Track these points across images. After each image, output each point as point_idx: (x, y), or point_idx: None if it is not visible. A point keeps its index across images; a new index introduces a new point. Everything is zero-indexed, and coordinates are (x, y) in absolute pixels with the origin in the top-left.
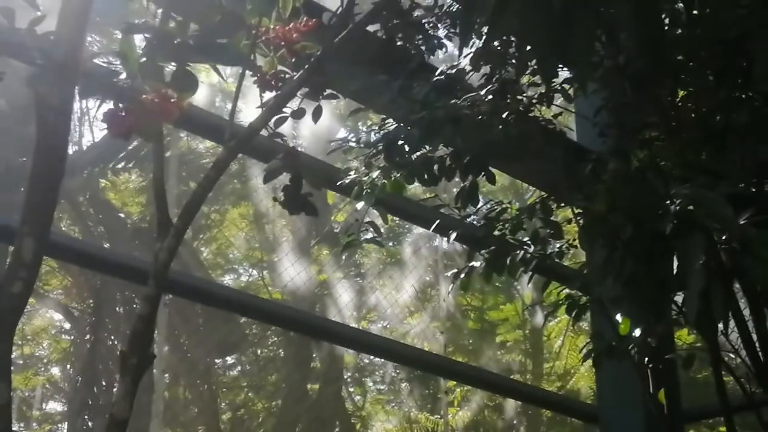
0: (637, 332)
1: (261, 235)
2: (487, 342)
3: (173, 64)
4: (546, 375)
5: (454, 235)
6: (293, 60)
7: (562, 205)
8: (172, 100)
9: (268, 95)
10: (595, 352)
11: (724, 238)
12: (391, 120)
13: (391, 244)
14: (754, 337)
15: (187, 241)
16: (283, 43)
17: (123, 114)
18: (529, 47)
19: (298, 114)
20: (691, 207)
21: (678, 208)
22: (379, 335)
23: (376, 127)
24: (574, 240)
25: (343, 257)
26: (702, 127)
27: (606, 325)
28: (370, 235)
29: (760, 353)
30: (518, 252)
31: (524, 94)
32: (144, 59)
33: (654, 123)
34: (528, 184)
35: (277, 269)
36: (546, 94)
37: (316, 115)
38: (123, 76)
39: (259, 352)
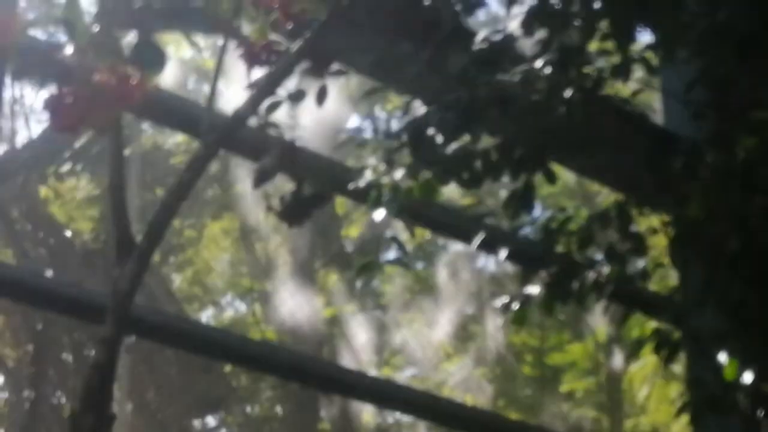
0: (748, 377)
1: (250, 257)
2: (550, 393)
3: (133, 34)
4: None
5: (504, 254)
6: (289, 27)
7: (646, 210)
8: (133, 81)
9: (258, 73)
10: (692, 404)
11: None
12: (418, 102)
13: (420, 266)
14: None
15: (154, 266)
16: (276, 4)
17: (69, 100)
18: (599, 3)
19: (296, 97)
20: None
21: None
22: (407, 386)
23: (399, 113)
24: (663, 256)
25: (358, 284)
26: None
27: (706, 369)
28: (393, 255)
29: None
30: (588, 273)
31: (593, 66)
32: (96, 28)
33: (765, 101)
34: (600, 183)
35: (272, 301)
36: (622, 66)
37: (321, 97)
38: (69, 51)
39: (249, 409)
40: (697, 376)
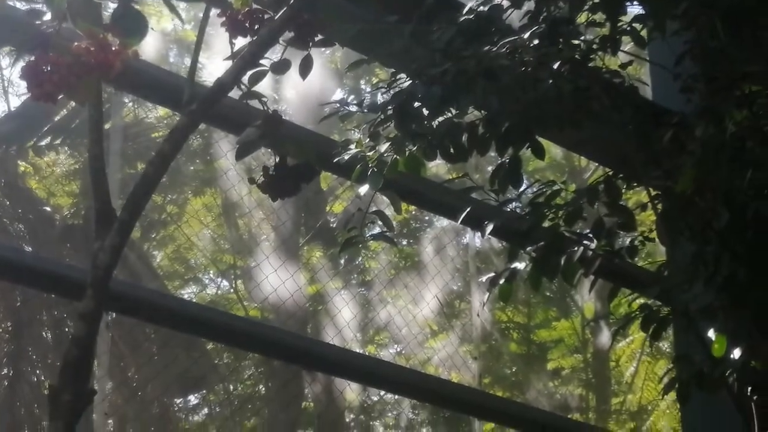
0: (737, 353)
1: (233, 233)
2: (536, 370)
3: (113, 1)
4: (615, 413)
5: (490, 228)
6: None
7: (634, 185)
8: (113, 50)
9: (240, 43)
10: (679, 381)
11: None
12: (403, 75)
13: (405, 242)
14: None
15: (134, 241)
16: None
17: (48, 69)
18: None
19: (280, 67)
20: None
21: None
22: (392, 363)
23: (384, 86)
24: (651, 231)
25: (342, 260)
26: None
27: (694, 346)
28: (377, 230)
29: None
30: (576, 248)
31: (582, 38)
32: None
33: (756, 73)
34: (587, 158)
35: (255, 277)
36: (611, 38)
37: (305, 68)
38: (47, 17)
39: (232, 388)
40: (684, 352)
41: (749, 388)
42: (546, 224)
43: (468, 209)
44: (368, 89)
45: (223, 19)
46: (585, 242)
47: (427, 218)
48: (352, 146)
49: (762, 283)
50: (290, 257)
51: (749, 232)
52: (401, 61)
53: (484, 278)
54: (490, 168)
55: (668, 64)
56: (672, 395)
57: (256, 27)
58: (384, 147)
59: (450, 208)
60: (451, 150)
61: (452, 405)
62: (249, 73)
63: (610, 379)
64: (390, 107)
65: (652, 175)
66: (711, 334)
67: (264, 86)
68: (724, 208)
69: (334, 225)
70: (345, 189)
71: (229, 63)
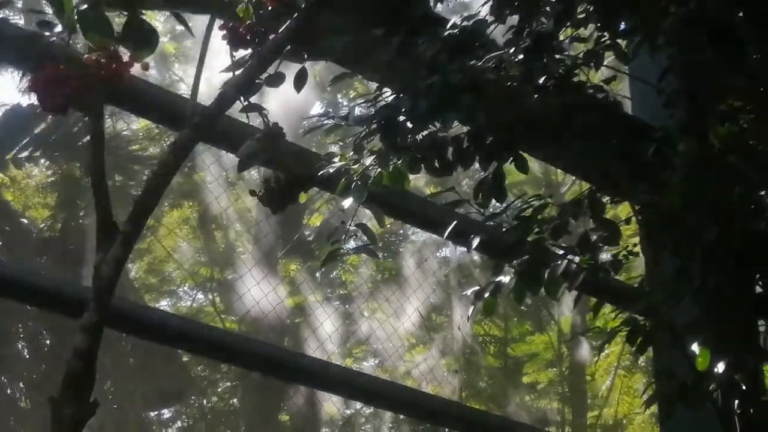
0: (721, 367)
1: (211, 246)
2: (513, 384)
3: (122, 13)
4: (591, 427)
5: (476, 243)
6: (270, 8)
7: (616, 200)
8: (124, 62)
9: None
10: (661, 395)
11: None
12: (388, 90)
13: (380, 255)
14: None
15: None
16: None
17: (59, 79)
18: None
19: (274, 80)
20: None
21: None
22: (372, 375)
23: (367, 100)
24: (635, 246)
25: (318, 274)
26: None
27: (676, 360)
28: (358, 243)
29: None
30: (560, 263)
31: (565, 53)
32: (84, 7)
33: (739, 88)
34: (568, 172)
35: (233, 291)
36: (594, 52)
37: (300, 81)
38: (57, 29)
39: (206, 402)
40: (666, 367)
41: (734, 402)
42: (531, 238)
43: (454, 224)
44: (346, 103)
45: (224, 32)
46: (569, 256)
47: (401, 232)
48: (336, 159)
49: (748, 297)
50: (269, 270)
51: (737, 247)
52: (386, 75)
53: (468, 291)
54: (465, 185)
55: (650, 78)
56: (652, 409)
57: (256, 40)
58: (368, 160)
59: (434, 222)
60: (436, 163)
61: (431, 417)
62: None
63: (586, 393)
64: (375, 120)
65: (637, 190)
66: (695, 348)
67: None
68: (713, 222)
69: (312, 238)
70: (322, 203)
71: (225, 75)
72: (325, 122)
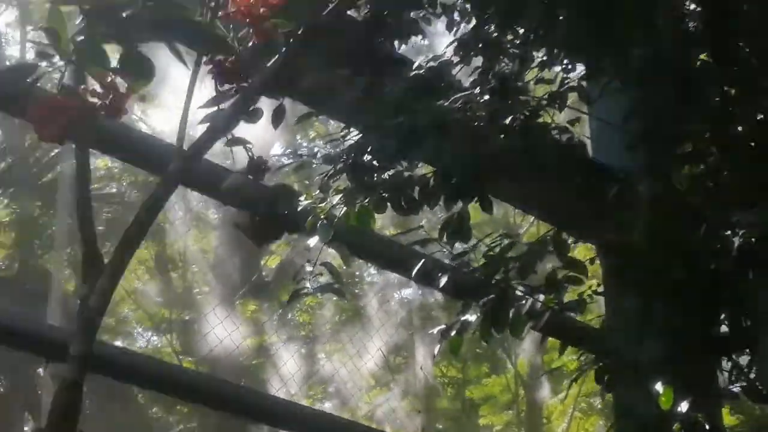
0: (684, 407)
1: (166, 287)
2: (471, 426)
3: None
4: None
5: (444, 282)
6: (252, 44)
7: (578, 241)
8: (122, 92)
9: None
10: None
11: None
12: (354, 130)
13: (334, 298)
14: None
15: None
16: (247, 19)
17: (59, 109)
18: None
19: (253, 116)
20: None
21: (742, 240)
22: (335, 415)
23: (334, 139)
24: (599, 286)
25: (276, 315)
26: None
27: (636, 400)
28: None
29: None
30: (524, 302)
31: (530, 94)
32: (81, 38)
33: (700, 131)
34: (529, 213)
35: (191, 332)
36: (558, 94)
37: (278, 118)
38: (55, 59)
39: None
40: (628, 407)
41: None
42: (498, 277)
43: (421, 264)
44: (305, 143)
45: (210, 66)
46: (535, 296)
47: (357, 273)
48: (302, 198)
49: (712, 336)
50: (229, 311)
51: (703, 286)
52: (351, 115)
53: (435, 330)
54: (421, 229)
55: (611, 120)
56: None
57: (242, 75)
58: (335, 199)
59: (398, 262)
60: (402, 202)
61: None
62: (220, 119)
63: None
64: (342, 159)
65: (596, 231)
66: (658, 387)
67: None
68: (680, 263)
69: (270, 279)
70: (280, 244)
71: (207, 108)
72: (291, 161)
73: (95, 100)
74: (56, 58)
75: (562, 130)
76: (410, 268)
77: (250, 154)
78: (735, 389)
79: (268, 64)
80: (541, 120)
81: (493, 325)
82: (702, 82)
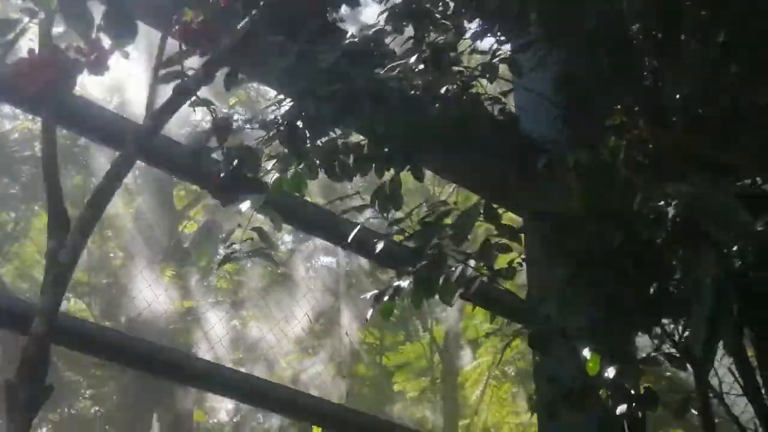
0: (611, 372)
1: (86, 251)
2: (388, 393)
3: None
4: None
5: (380, 247)
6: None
7: (505, 210)
8: (105, 49)
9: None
10: (549, 400)
11: (734, 249)
12: (287, 99)
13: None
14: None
15: None
16: None
17: (44, 64)
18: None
19: (205, 80)
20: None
21: (675, 211)
22: (262, 379)
23: (269, 105)
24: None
25: (197, 281)
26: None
27: (563, 365)
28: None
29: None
30: (453, 269)
31: (463, 65)
32: None
33: (629, 105)
34: (458, 183)
35: (112, 296)
36: (491, 65)
37: (231, 81)
38: (41, 16)
39: (72, 409)
40: (552, 372)
41: (622, 407)
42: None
43: (356, 232)
44: (225, 110)
45: (176, 28)
46: (467, 263)
47: (283, 238)
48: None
49: (646, 304)
50: (152, 276)
51: (637, 254)
52: (283, 82)
53: (367, 295)
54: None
55: (542, 92)
56: (516, 418)
57: (210, 38)
58: (270, 165)
59: (330, 230)
60: (336, 169)
61: (319, 420)
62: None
63: (458, 402)
64: (276, 125)
65: (525, 200)
66: (586, 353)
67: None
68: (618, 230)
69: (189, 244)
70: (197, 210)
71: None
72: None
73: (78, 56)
74: (41, 14)
75: (494, 100)
76: (343, 236)
77: (213, 113)
78: (657, 355)
79: (236, 28)
80: (473, 91)
81: (425, 291)
82: (634, 55)
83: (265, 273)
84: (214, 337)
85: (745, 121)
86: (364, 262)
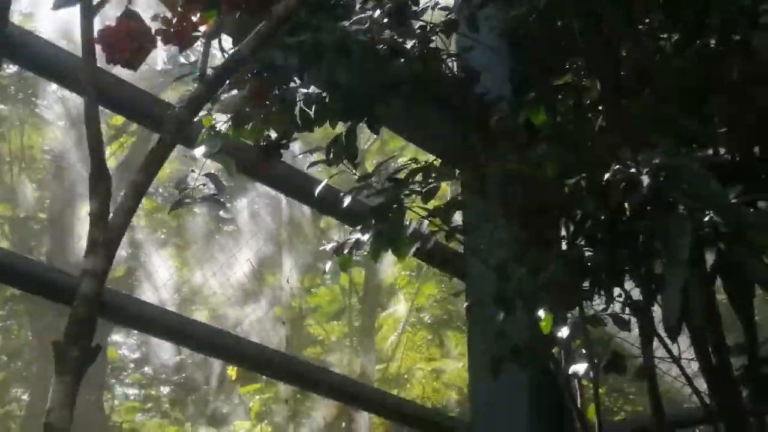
0: (565, 332)
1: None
2: (305, 336)
3: None
4: (377, 381)
5: (348, 201)
6: None
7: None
8: (193, 21)
9: None
10: (495, 355)
11: (706, 220)
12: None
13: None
14: None
15: None
16: None
17: (132, 34)
18: None
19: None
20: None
21: (650, 180)
22: (205, 324)
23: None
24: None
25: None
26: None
27: (506, 323)
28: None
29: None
30: (408, 224)
31: (426, 20)
32: None
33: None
34: (414, 143)
35: (39, 235)
36: (452, 21)
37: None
38: None
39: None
40: (501, 329)
41: (578, 366)
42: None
43: (322, 186)
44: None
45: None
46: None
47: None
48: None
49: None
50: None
51: (612, 221)
52: (238, 31)
53: (327, 247)
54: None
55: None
56: (427, 365)
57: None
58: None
59: (298, 188)
60: (299, 120)
61: (263, 368)
62: None
63: (374, 348)
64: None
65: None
66: (541, 312)
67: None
68: (590, 195)
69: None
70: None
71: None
72: (192, 72)
73: (166, 27)
74: None
75: (456, 57)
76: (309, 194)
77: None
78: (602, 315)
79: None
80: (434, 46)
81: (383, 245)
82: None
83: (210, 218)
84: (158, 280)
85: (714, 92)
86: (306, 210)
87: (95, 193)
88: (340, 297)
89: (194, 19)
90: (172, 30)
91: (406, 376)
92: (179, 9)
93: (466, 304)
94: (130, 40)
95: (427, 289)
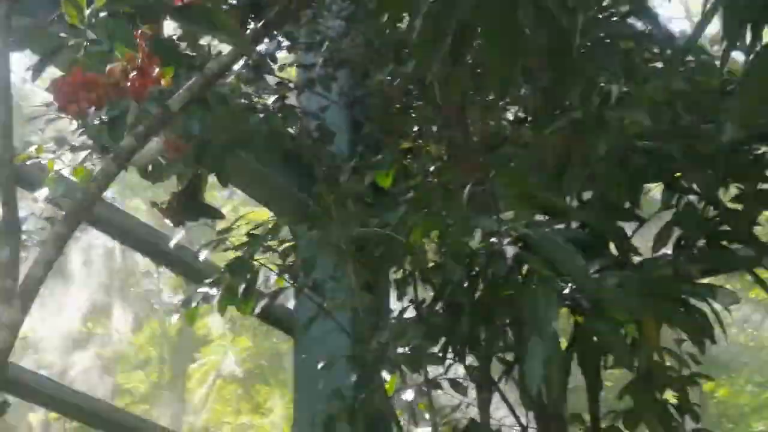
0: (410, 395)
1: None
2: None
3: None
4: None
5: (204, 255)
6: None
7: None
8: (152, 76)
9: None
10: (327, 415)
11: (566, 292)
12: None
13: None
14: None
15: None
16: None
17: (88, 85)
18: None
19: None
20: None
21: (514, 251)
22: (33, 372)
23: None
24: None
25: None
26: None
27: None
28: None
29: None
30: (261, 280)
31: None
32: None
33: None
34: (254, 198)
35: None
36: (311, 79)
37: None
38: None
39: None
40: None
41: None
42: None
43: (179, 236)
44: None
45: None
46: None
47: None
48: (32, 149)
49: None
50: None
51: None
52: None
53: (176, 299)
54: None
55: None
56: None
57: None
58: (70, 157)
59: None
60: (148, 169)
61: (88, 419)
62: None
63: (185, 400)
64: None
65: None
66: (386, 375)
67: None
68: (454, 263)
69: None
70: None
71: None
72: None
73: (125, 81)
74: (89, 33)
75: (313, 116)
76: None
77: None
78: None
79: None
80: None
81: (233, 300)
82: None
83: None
84: None
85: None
86: (140, 259)
87: (7, 240)
88: (146, 346)
89: (153, 74)
90: (128, 84)
91: (212, 430)
92: (137, 61)
93: (293, 361)
94: (85, 91)
95: (240, 342)
